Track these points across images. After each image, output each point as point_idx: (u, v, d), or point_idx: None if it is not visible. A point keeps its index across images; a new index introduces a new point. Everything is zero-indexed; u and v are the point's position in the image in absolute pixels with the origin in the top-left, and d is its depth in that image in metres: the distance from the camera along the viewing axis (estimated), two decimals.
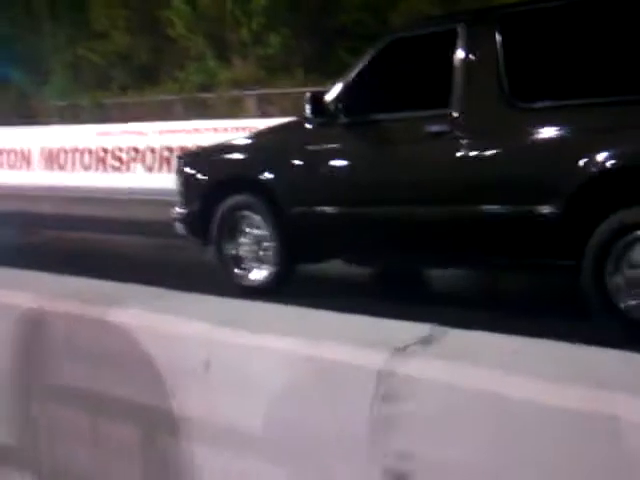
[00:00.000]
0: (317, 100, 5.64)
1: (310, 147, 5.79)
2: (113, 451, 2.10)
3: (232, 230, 6.12)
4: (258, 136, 6.45)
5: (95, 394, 2.12)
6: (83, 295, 2.25)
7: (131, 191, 13.96)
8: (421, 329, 1.73)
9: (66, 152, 17.27)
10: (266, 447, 1.78)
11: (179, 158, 6.85)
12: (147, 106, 19.89)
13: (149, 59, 24.16)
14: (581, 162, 4.56)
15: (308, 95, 5.72)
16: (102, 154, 16.60)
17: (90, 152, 16.94)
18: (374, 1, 16.99)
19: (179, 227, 6.37)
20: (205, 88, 19.46)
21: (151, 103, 20.13)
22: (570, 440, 1.41)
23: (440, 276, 6.41)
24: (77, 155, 17.16)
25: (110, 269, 4.99)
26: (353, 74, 5.68)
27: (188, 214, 6.37)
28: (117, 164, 16.13)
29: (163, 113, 17.99)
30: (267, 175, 5.95)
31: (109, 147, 16.44)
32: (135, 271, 6.32)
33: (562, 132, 4.73)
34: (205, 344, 1.89)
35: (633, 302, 4.48)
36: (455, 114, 5.07)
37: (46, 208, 13.80)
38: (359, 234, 5.65)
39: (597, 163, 4.54)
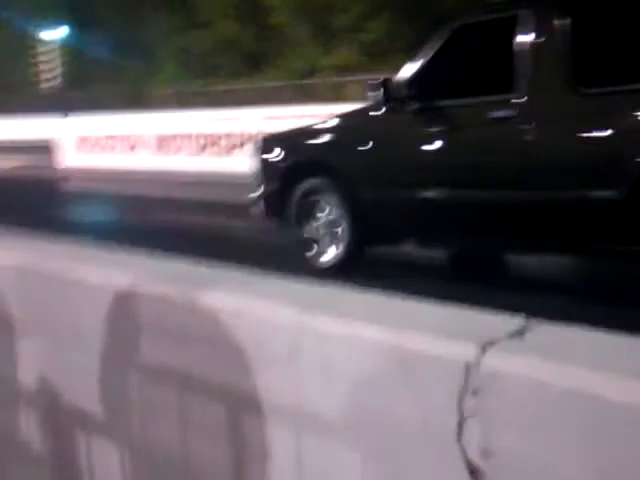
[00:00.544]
0: (387, 86, 5.75)
1: (379, 132, 5.92)
2: (199, 430, 2.12)
3: (307, 213, 6.28)
4: (333, 121, 6.57)
5: (184, 374, 2.14)
6: (173, 276, 2.28)
7: (242, 175, 14.18)
8: (513, 322, 1.66)
9: (177, 137, 17.63)
10: (347, 435, 1.75)
11: (257, 142, 7.04)
12: (254, 92, 20.16)
13: (255, 46, 24.47)
14: None
15: (378, 81, 5.85)
16: (212, 139, 16.89)
17: (201, 137, 17.25)
18: None
19: (256, 209, 6.53)
20: (309, 74, 19.54)
21: (258, 89, 20.39)
22: None
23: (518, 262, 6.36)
24: (188, 140, 17.49)
25: (217, 252, 5.04)
26: (421, 61, 5.77)
27: (265, 196, 6.56)
28: (227, 148, 16.40)
29: (269, 99, 18.17)
30: (339, 159, 6.12)
31: (219, 132, 16.72)
32: (245, 255, 6.34)
33: (625, 117, 4.71)
34: (292, 329, 1.88)
35: None
36: (520, 99, 5.08)
37: (157, 191, 14.14)
38: (426, 218, 5.74)
39: None
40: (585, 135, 4.89)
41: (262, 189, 6.61)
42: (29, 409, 2.89)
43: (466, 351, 1.56)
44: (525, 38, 5.17)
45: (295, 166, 6.43)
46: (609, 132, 4.77)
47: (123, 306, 2.32)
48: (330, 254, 6.19)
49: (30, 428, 2.89)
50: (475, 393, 1.53)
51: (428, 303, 1.85)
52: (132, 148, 18.78)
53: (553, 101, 5.05)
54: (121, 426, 2.45)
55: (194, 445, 2.16)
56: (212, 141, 16.80)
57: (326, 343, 1.80)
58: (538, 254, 5.95)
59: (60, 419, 2.73)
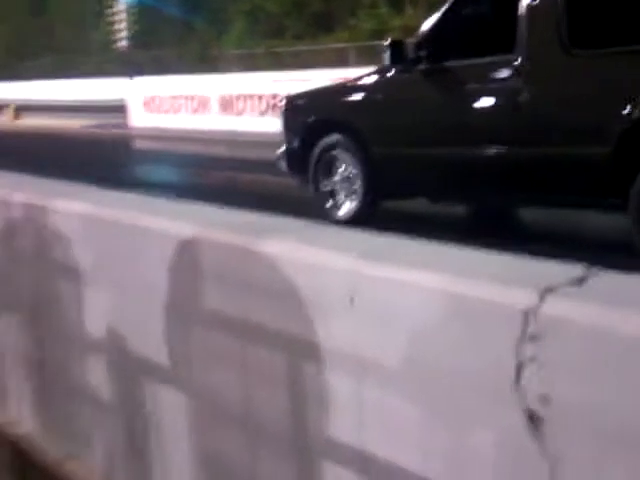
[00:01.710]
0: (397, 48, 6.06)
1: (391, 91, 6.24)
2: (259, 376, 2.15)
3: (327, 168, 6.63)
4: (352, 81, 6.96)
5: (243, 321, 2.17)
6: (234, 225, 2.30)
7: None
8: (572, 270, 1.64)
9: (242, 98, 17.67)
10: (404, 382, 1.76)
11: (284, 100, 7.43)
12: (320, 54, 20.05)
13: (323, 7, 24.29)
14: (628, 106, 4.79)
15: (388, 42, 6.14)
16: (275, 101, 16.89)
17: (264, 98, 17.26)
18: None
19: (281, 165, 6.94)
20: (377, 36, 19.33)
21: (324, 51, 20.28)
22: None
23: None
24: (252, 101, 17.51)
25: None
26: (431, 23, 6.03)
27: (289, 153, 6.94)
28: None
29: (336, 61, 18.04)
30: (355, 117, 6.47)
31: (283, 94, 16.69)
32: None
33: (612, 77, 4.97)
34: (350, 277, 1.88)
35: None
36: (518, 60, 5.33)
37: (221, 151, 14.27)
38: (435, 173, 6.08)
39: None
40: (574, 94, 5.18)
41: (285, 145, 7.01)
42: (97, 356, 2.96)
43: (525, 298, 1.54)
44: (526, 1, 5.38)
45: (315, 123, 6.82)
46: (596, 92, 5.05)
47: (186, 255, 2.35)
48: (345, 208, 6.56)
49: (99, 374, 2.96)
50: (533, 339, 1.52)
51: (485, 251, 1.84)
52: (196, 109, 18.90)
53: (547, 61, 5.33)
54: (184, 373, 2.50)
55: (254, 392, 2.19)
56: (275, 103, 16.80)
57: (384, 291, 1.81)
58: (539, 208, 6.25)
59: (127, 366, 2.80)
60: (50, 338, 3.23)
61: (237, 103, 17.93)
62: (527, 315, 1.53)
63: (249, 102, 17.53)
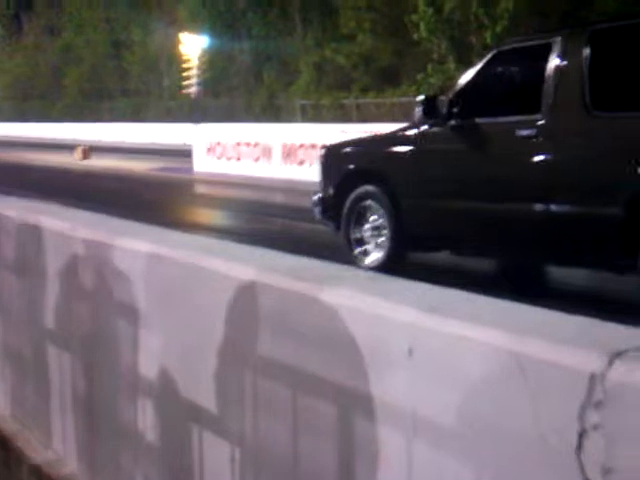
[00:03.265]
0: (430, 103, 6.27)
1: (422, 145, 6.47)
2: (309, 428, 2.10)
3: (359, 217, 6.90)
4: (388, 133, 7.30)
5: (298, 369, 2.13)
6: (296, 272, 2.28)
7: None
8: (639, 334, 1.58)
9: (305, 148, 17.85)
10: (458, 442, 1.70)
11: (321, 149, 7.79)
12: (386, 107, 20.22)
13: (391, 61, 24.54)
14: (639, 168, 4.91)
15: (421, 98, 6.42)
16: None
17: None
18: (623, 7, 16.17)
19: (316, 211, 7.18)
20: (444, 92, 19.46)
21: (390, 105, 20.44)
22: None
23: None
24: (314, 151, 17.70)
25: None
26: (464, 81, 6.31)
27: (324, 200, 7.21)
28: None
29: (401, 115, 18.16)
30: (386, 168, 6.73)
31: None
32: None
33: (628, 140, 5.14)
34: (410, 330, 1.84)
35: None
36: (543, 120, 5.55)
37: (279, 199, 14.42)
38: (462, 227, 6.24)
39: None
40: (592, 155, 5.35)
41: (321, 192, 7.29)
42: (147, 398, 2.94)
43: (591, 361, 1.48)
44: (552, 64, 5.63)
45: (349, 172, 7.08)
46: (613, 153, 5.22)
47: (243, 298, 2.33)
48: (373, 256, 6.74)
49: (147, 416, 2.94)
50: (598, 406, 1.45)
51: (551, 311, 1.78)
52: (258, 156, 19.15)
53: (570, 122, 5.51)
54: (233, 421, 2.46)
55: (304, 443, 2.15)
56: None
57: (444, 346, 1.76)
58: (556, 265, 6.38)
59: (176, 409, 2.77)
60: (101, 377, 3.23)
61: (299, 152, 18.15)
62: (592, 379, 1.47)
63: (311, 151, 17.73)
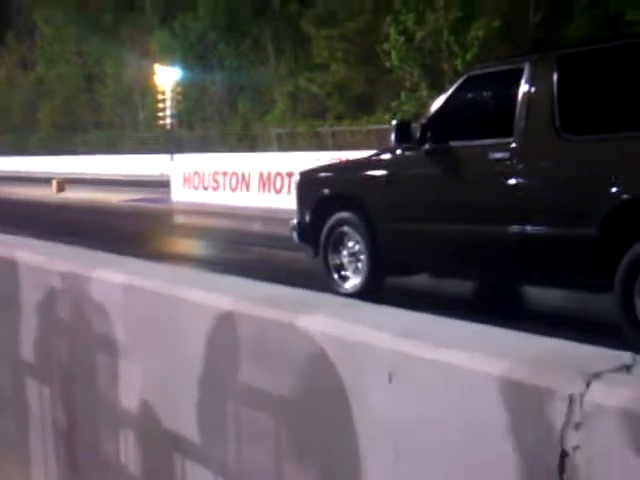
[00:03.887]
0: (403, 128, 6.32)
1: (396, 169, 6.51)
2: (292, 454, 2.10)
3: (336, 243, 6.96)
4: (362, 159, 7.32)
5: (280, 399, 2.13)
6: (272, 300, 2.28)
7: None
8: (619, 357, 1.60)
9: (281, 176, 17.93)
10: (445, 465, 1.70)
11: (297, 175, 7.85)
12: (361, 135, 20.34)
13: (364, 90, 24.74)
14: (613, 189, 4.94)
15: (395, 123, 6.50)
16: None
17: None
18: (594, 32, 16.42)
19: (294, 236, 7.29)
20: (418, 117, 19.63)
21: (365, 132, 20.57)
22: None
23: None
24: (290, 179, 17.77)
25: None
26: (436, 105, 6.39)
27: (301, 225, 7.27)
28: None
29: (376, 141, 18.29)
30: (361, 194, 6.75)
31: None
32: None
33: (600, 162, 5.19)
34: (390, 356, 1.85)
35: None
36: (515, 144, 5.59)
37: (257, 227, 14.44)
38: (438, 250, 6.29)
39: (625, 190, 4.90)
40: (564, 177, 5.40)
41: (298, 217, 7.42)
42: (128, 430, 2.92)
43: (569, 383, 1.50)
44: (523, 88, 5.71)
45: (325, 198, 7.15)
46: (584, 175, 5.28)
47: (222, 328, 2.33)
48: (352, 282, 6.83)
49: (128, 449, 2.92)
50: (578, 427, 1.46)
51: (528, 334, 1.80)
52: (235, 186, 19.20)
53: (540, 145, 5.59)
54: (215, 449, 2.45)
55: (287, 470, 2.14)
56: None
57: (424, 371, 1.77)
58: (530, 286, 6.50)
59: (157, 440, 2.76)
60: (82, 410, 3.21)
61: (276, 181, 18.21)
62: (572, 401, 1.48)
63: (286, 180, 17.82)
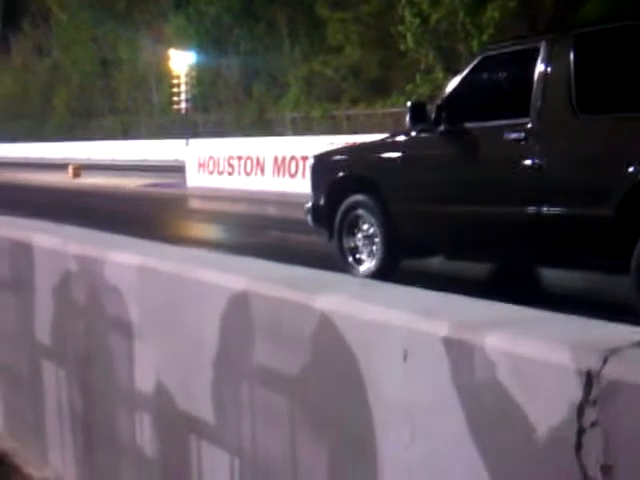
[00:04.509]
0: (418, 109, 6.30)
1: (411, 151, 6.46)
2: (307, 435, 2.09)
3: (350, 226, 6.89)
4: (376, 141, 7.30)
5: (293, 377, 2.13)
6: (288, 281, 2.27)
7: None
8: (635, 332, 1.58)
9: (296, 160, 17.89)
10: (459, 444, 1.69)
11: (311, 158, 7.82)
12: (376, 118, 20.28)
13: (379, 73, 24.63)
14: (630, 169, 4.90)
15: (410, 104, 6.43)
16: None
17: None
18: (611, 11, 16.26)
19: (309, 219, 7.24)
20: (433, 100, 19.53)
21: (379, 115, 20.50)
22: None
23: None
24: (305, 163, 17.75)
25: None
26: (452, 86, 6.35)
27: (315, 208, 7.17)
28: None
29: (391, 125, 18.21)
30: (376, 176, 6.67)
31: None
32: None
33: (616, 142, 5.15)
34: (404, 334, 1.84)
35: None
36: (531, 124, 5.56)
37: (272, 211, 14.44)
38: (453, 232, 6.22)
39: None
40: (580, 156, 5.37)
41: (312, 200, 7.39)
42: (143, 411, 2.93)
43: (587, 360, 1.48)
44: (539, 68, 5.66)
45: (340, 180, 7.08)
46: (601, 154, 5.24)
47: (237, 308, 2.33)
48: (366, 265, 6.80)
49: (143, 430, 2.93)
50: (595, 404, 1.45)
51: (544, 311, 1.79)
52: (249, 171, 19.19)
53: (556, 125, 5.54)
54: (231, 431, 2.45)
55: (302, 451, 2.14)
56: None
57: (439, 349, 1.75)
58: (547, 267, 6.39)
59: (173, 422, 2.76)
60: (97, 392, 3.22)
61: (291, 165, 18.18)
62: (589, 378, 1.47)
63: (301, 164, 17.78)
